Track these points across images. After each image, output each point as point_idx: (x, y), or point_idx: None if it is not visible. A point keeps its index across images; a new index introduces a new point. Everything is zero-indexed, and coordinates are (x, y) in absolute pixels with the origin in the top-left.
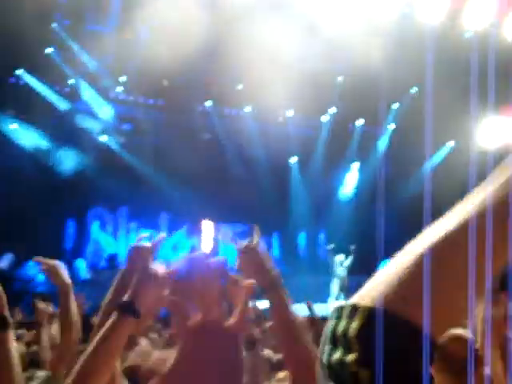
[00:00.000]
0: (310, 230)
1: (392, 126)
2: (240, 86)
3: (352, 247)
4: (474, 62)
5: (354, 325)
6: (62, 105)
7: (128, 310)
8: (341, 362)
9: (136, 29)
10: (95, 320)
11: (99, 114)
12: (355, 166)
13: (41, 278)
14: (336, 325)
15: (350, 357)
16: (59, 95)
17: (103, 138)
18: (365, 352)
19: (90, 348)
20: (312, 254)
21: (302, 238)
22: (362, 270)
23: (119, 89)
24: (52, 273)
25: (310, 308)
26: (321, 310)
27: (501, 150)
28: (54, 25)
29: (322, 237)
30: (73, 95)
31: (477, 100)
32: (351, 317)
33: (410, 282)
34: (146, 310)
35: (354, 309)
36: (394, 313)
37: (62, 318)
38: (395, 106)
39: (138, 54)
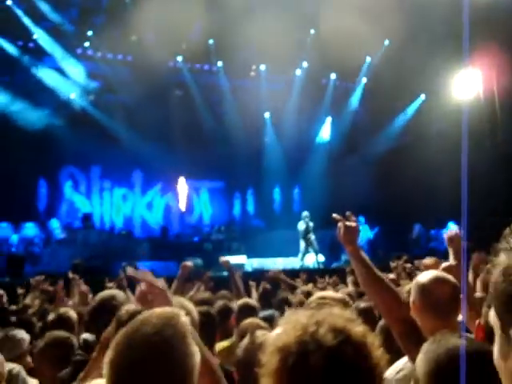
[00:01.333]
0: (284, 184)
1: (364, 80)
2: (211, 41)
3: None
4: (446, 14)
5: None
6: (27, 60)
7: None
8: None
9: None
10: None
11: (67, 71)
12: (328, 121)
13: (14, 238)
14: None
15: None
16: (23, 51)
17: (72, 96)
18: None
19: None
20: (287, 209)
21: (276, 193)
22: (333, 224)
23: (86, 44)
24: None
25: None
26: (292, 263)
27: (472, 101)
28: None
29: (296, 191)
30: (38, 51)
31: (449, 52)
32: None
33: None
34: None
35: None
36: None
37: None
38: (368, 59)
39: (104, 8)
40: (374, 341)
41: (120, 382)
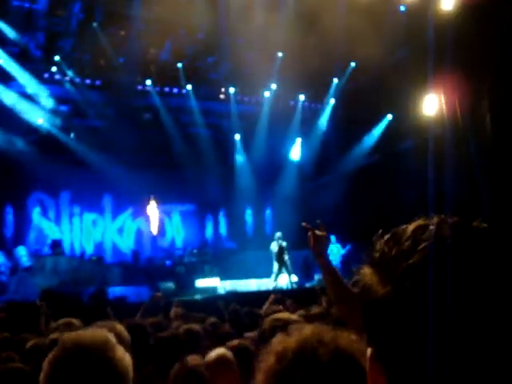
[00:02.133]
0: (256, 206)
1: (332, 101)
2: (180, 64)
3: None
4: (410, 35)
5: None
6: None
7: None
8: None
9: (68, 6)
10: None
11: (34, 95)
12: (298, 141)
13: None
14: None
15: None
16: None
17: (40, 121)
18: None
19: None
20: (259, 230)
21: (248, 215)
22: (307, 243)
23: (54, 69)
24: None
25: None
26: (265, 284)
27: (435, 122)
28: None
29: (268, 212)
30: (4, 76)
31: (414, 73)
32: None
33: None
34: None
35: None
36: None
37: None
38: (335, 81)
39: (71, 32)
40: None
41: None
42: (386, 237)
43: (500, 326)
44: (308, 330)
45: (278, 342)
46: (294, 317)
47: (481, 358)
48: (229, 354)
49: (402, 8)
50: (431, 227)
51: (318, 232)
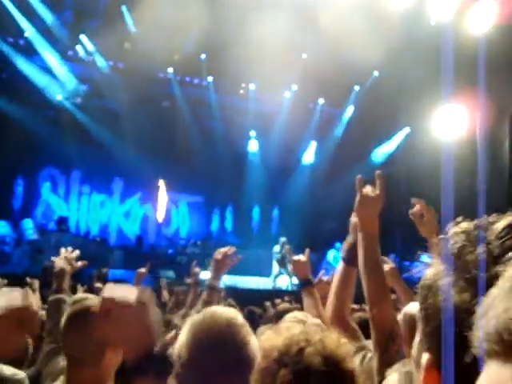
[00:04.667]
0: (264, 204)
1: (351, 109)
2: (203, 56)
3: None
4: (437, 50)
5: None
6: (17, 58)
7: None
8: None
9: None
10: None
11: (56, 72)
12: (313, 145)
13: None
14: None
15: None
16: (13, 48)
17: (59, 97)
18: None
19: None
20: (264, 229)
21: (255, 213)
22: (312, 247)
23: (78, 47)
24: None
25: None
26: (264, 283)
27: (454, 140)
28: None
29: (275, 212)
30: (28, 49)
31: (437, 88)
32: None
33: None
34: None
35: None
36: None
37: None
38: (356, 88)
39: (99, 13)
40: (359, 379)
41: (199, 357)
42: (467, 231)
43: None
44: (296, 329)
45: (266, 339)
46: (317, 320)
47: None
48: None
49: (432, 23)
50: None
51: (300, 257)
